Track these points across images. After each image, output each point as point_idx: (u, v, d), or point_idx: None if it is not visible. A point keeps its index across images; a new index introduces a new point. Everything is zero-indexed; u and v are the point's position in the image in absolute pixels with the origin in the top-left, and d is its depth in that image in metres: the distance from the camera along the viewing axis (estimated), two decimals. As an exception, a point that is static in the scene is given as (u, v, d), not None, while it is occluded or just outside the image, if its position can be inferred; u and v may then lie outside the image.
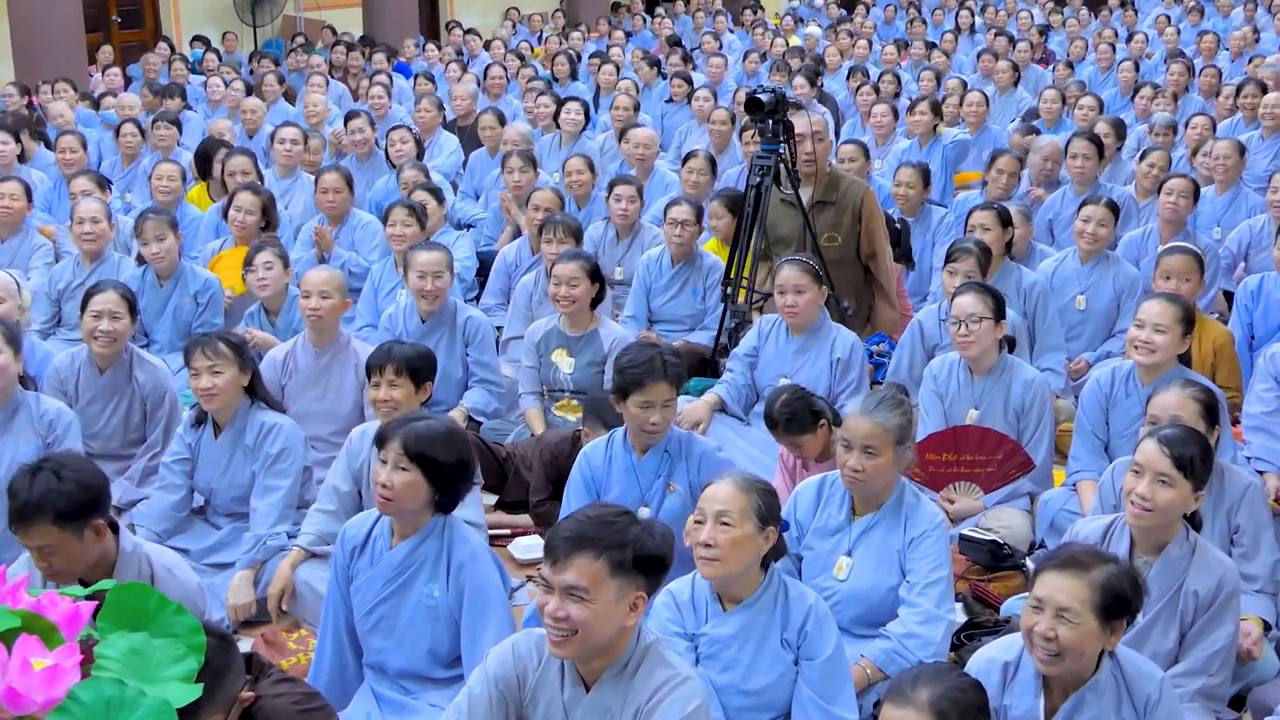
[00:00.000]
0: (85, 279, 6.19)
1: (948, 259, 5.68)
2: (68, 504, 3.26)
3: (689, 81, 11.46)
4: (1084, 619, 2.89)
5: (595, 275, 5.56)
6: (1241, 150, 7.69)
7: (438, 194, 7.30)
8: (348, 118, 9.37)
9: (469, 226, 8.45)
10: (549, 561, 2.71)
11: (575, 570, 2.67)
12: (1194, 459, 3.40)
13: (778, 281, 5.21)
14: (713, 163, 7.69)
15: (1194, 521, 3.56)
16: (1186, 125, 9.09)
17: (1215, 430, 3.88)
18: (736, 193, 6.68)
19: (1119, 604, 2.92)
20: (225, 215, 7.01)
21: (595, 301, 5.61)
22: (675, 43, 16.66)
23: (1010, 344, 5.01)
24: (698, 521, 3.24)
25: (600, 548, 2.68)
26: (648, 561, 2.74)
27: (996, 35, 14.65)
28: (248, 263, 5.91)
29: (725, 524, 3.19)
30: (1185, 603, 3.44)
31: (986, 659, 3.12)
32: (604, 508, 2.84)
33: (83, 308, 5.09)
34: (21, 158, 8.70)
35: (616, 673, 2.78)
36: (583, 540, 2.69)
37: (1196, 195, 6.79)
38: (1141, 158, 7.76)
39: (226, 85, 11.54)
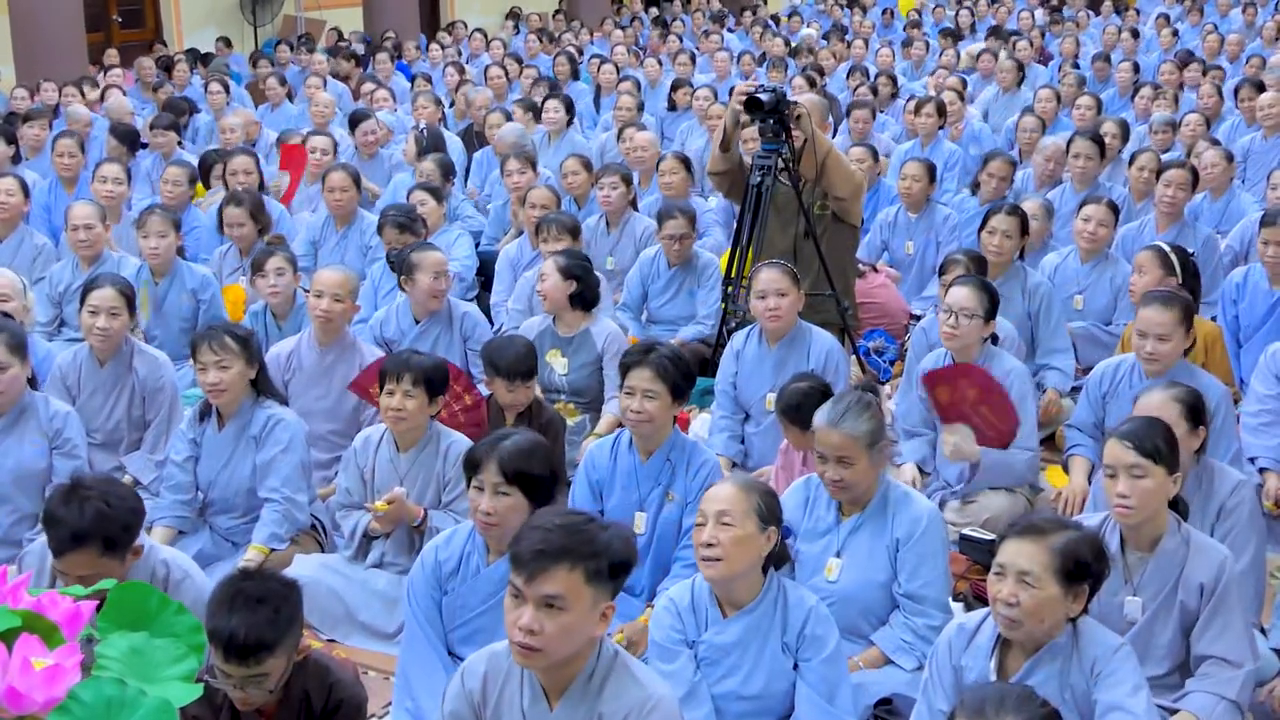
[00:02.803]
0: (85, 280, 6.19)
1: (941, 271, 5.69)
2: (119, 530, 3.20)
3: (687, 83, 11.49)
4: (1044, 583, 2.95)
5: (569, 272, 5.52)
6: (1230, 158, 7.69)
7: (437, 194, 7.29)
8: (355, 120, 9.38)
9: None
10: (521, 574, 2.59)
11: (554, 581, 2.56)
12: (1158, 444, 3.42)
13: (758, 286, 5.11)
14: (686, 162, 7.63)
15: (1180, 511, 3.57)
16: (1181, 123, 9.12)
17: (1201, 431, 3.88)
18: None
19: (1080, 569, 2.97)
20: (220, 229, 7.02)
21: (587, 302, 5.59)
22: (661, 23, 16.70)
23: (993, 340, 5.02)
24: (699, 524, 3.23)
25: (576, 557, 2.58)
26: (618, 568, 2.67)
27: (993, 34, 14.64)
28: (258, 268, 5.90)
29: (726, 524, 3.18)
30: (1188, 594, 3.45)
31: (957, 624, 3.21)
32: (568, 515, 2.73)
33: (81, 303, 5.10)
34: (15, 159, 8.71)
35: (583, 684, 2.68)
36: (559, 551, 2.58)
37: (1195, 185, 6.78)
38: (1131, 161, 7.76)
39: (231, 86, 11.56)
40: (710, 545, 3.18)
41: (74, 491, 3.21)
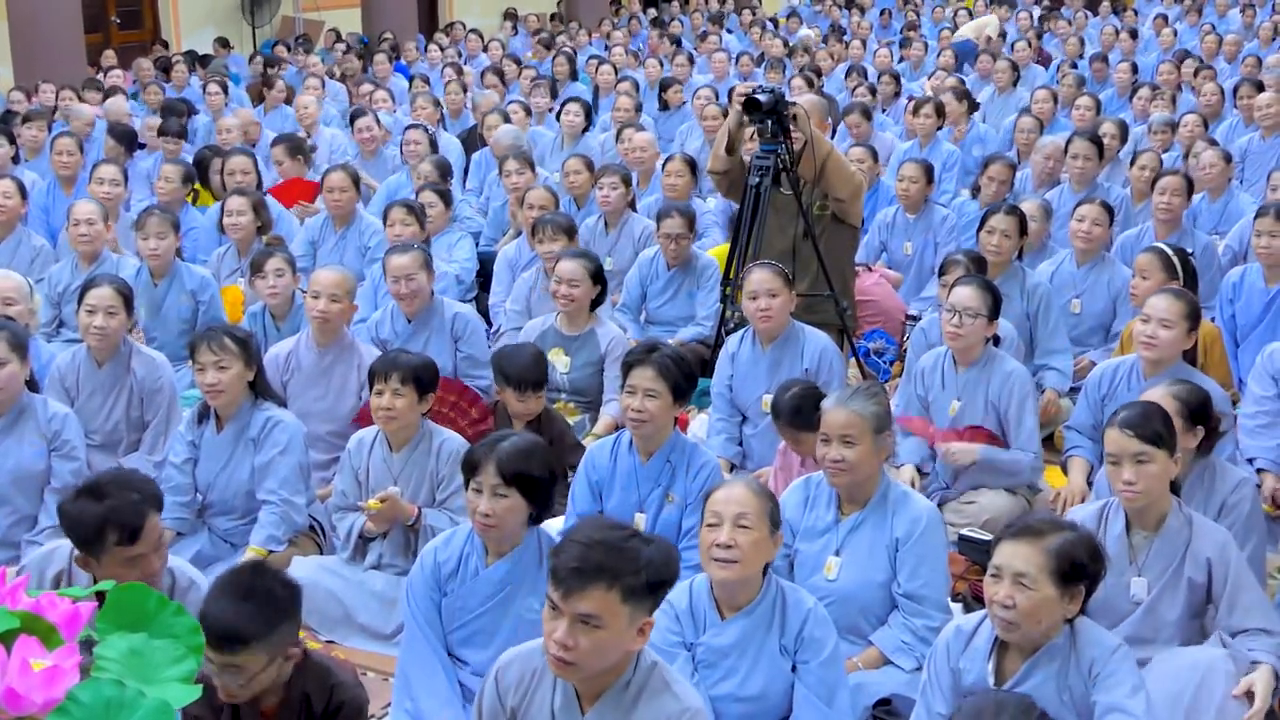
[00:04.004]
0: (83, 281, 6.18)
1: (940, 272, 5.68)
2: (135, 518, 3.19)
3: (678, 81, 11.54)
4: (1040, 585, 2.96)
5: (598, 277, 5.57)
6: (1228, 158, 7.69)
7: (445, 195, 7.29)
8: (353, 116, 9.39)
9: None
10: (559, 589, 2.58)
11: (589, 601, 2.56)
12: (1158, 429, 3.50)
13: (749, 287, 5.10)
14: (692, 164, 7.64)
15: (1174, 487, 3.62)
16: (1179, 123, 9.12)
17: (1198, 430, 3.88)
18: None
19: (1075, 570, 2.99)
20: (220, 226, 7.02)
21: (595, 303, 5.62)
22: (660, 24, 16.70)
23: (995, 341, 5.02)
24: (712, 524, 3.22)
25: (614, 576, 2.56)
26: (658, 585, 2.67)
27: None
28: (257, 269, 5.90)
29: (744, 526, 3.18)
30: (1195, 569, 3.49)
31: (954, 627, 3.23)
32: (610, 529, 2.70)
33: (79, 303, 5.10)
34: (16, 159, 8.70)
35: (618, 693, 2.69)
36: (596, 570, 2.56)
37: (1190, 191, 6.77)
38: (1133, 161, 7.75)
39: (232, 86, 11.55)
40: (728, 547, 3.17)
41: (97, 490, 3.20)
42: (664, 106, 11.39)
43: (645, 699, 2.68)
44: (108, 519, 3.14)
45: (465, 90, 11.43)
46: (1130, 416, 3.54)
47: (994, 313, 4.87)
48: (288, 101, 11.46)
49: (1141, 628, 3.50)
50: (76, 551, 3.27)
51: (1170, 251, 5.60)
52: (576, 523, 2.79)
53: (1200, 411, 3.90)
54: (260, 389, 4.63)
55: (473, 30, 16.51)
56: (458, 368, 5.70)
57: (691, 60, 13.59)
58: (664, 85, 11.57)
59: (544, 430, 4.79)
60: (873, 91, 11.14)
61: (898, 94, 11.47)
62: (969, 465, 4.80)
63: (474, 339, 5.71)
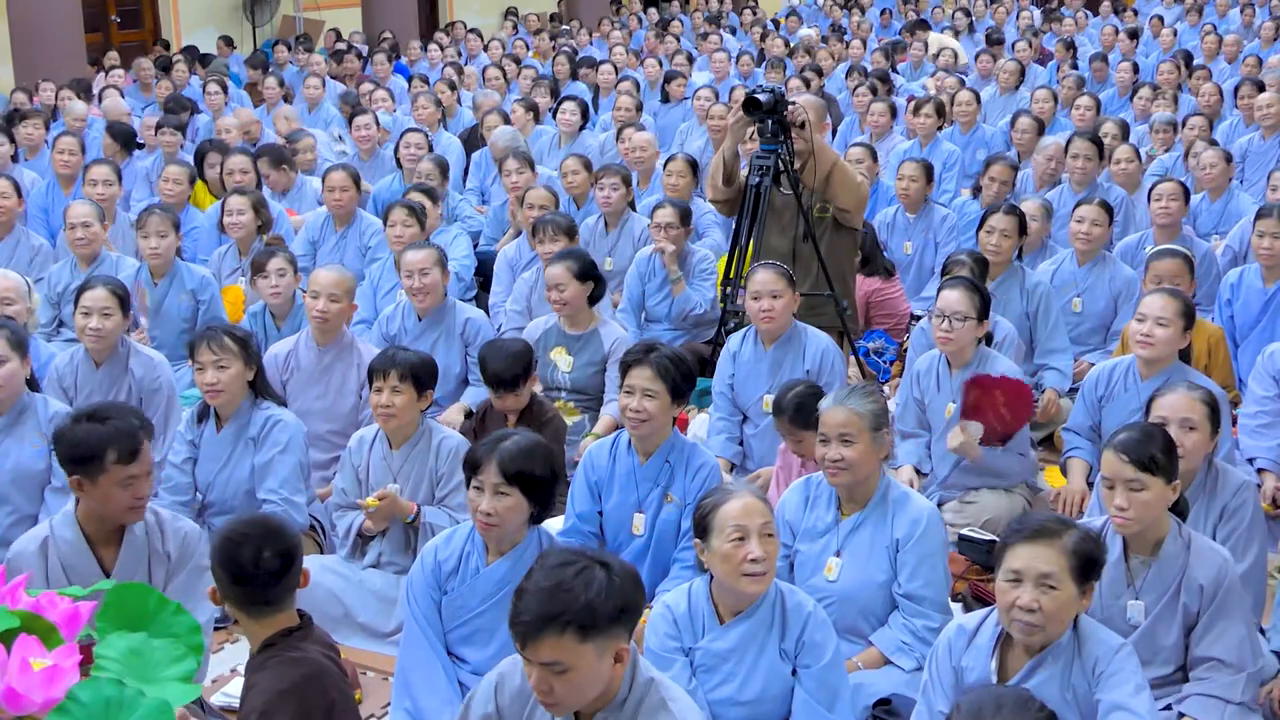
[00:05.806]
0: (80, 282, 6.18)
1: (944, 272, 5.69)
2: (134, 441, 3.48)
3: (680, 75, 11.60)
4: (1064, 585, 2.97)
5: (585, 275, 5.54)
6: (1228, 158, 7.69)
7: (433, 195, 7.29)
8: (353, 115, 9.40)
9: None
10: (518, 641, 2.59)
11: (546, 650, 2.55)
12: (1155, 456, 3.39)
13: (752, 287, 5.10)
14: (694, 165, 7.63)
15: (1180, 509, 3.57)
16: (1183, 124, 9.11)
17: (1219, 433, 3.87)
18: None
19: (1090, 565, 3.02)
20: (221, 225, 7.02)
21: (594, 299, 5.61)
22: (661, 24, 16.76)
23: (988, 339, 5.02)
24: (739, 539, 3.19)
25: (563, 622, 2.53)
26: (623, 611, 2.62)
27: (993, 40, 14.66)
28: (259, 269, 5.90)
29: (769, 535, 3.23)
30: (1189, 595, 3.45)
31: (956, 625, 3.23)
32: (563, 565, 2.61)
33: (75, 305, 5.11)
34: (15, 158, 8.70)
35: (614, 712, 2.68)
36: (545, 619, 2.53)
37: (1188, 197, 6.78)
38: (1109, 156, 7.79)
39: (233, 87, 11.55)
40: (762, 560, 3.19)
41: (96, 415, 3.49)
42: (665, 99, 11.49)
43: (644, 717, 2.67)
44: (109, 439, 3.43)
45: (454, 89, 11.47)
46: (1127, 440, 3.43)
47: (983, 314, 4.85)
48: (288, 99, 11.46)
49: (1138, 649, 3.47)
50: (73, 477, 3.49)
51: (1187, 253, 5.61)
52: (538, 558, 2.73)
53: (1219, 412, 3.88)
54: (260, 388, 4.63)
55: (473, 30, 16.51)
56: (468, 372, 5.70)
57: (691, 59, 13.59)
58: (668, 78, 11.66)
59: (535, 418, 4.78)
60: (874, 91, 11.13)
61: (890, 92, 11.46)
62: (970, 459, 4.77)
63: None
